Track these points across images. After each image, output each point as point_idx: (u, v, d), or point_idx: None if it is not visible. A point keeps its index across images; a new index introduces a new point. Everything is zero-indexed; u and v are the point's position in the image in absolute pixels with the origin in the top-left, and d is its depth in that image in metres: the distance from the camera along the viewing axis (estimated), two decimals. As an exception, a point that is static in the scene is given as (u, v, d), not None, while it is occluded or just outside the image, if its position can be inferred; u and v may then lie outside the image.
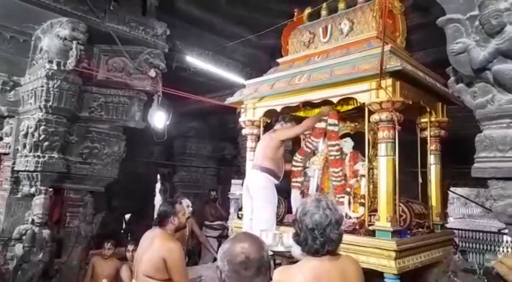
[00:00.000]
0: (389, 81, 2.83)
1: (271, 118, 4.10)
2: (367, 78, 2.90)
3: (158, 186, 9.42)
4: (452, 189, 8.75)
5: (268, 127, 4.42)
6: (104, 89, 4.52)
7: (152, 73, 4.45)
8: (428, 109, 3.39)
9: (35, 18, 4.04)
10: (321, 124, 3.66)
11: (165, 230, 2.76)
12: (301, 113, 4.05)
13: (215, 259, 4.96)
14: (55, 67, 3.95)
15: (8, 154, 4.43)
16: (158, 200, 9.12)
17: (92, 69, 4.29)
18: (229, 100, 4.12)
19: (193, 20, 5.44)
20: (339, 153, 3.49)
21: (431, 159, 3.49)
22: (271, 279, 1.39)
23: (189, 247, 4.77)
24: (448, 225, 3.82)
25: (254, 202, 3.39)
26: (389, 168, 2.81)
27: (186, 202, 4.56)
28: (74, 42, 3.84)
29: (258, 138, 4.09)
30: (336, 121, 3.54)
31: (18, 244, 3.98)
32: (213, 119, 8.09)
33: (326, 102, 3.41)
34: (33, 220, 3.98)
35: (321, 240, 1.55)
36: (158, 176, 9.23)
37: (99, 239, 4.79)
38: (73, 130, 4.42)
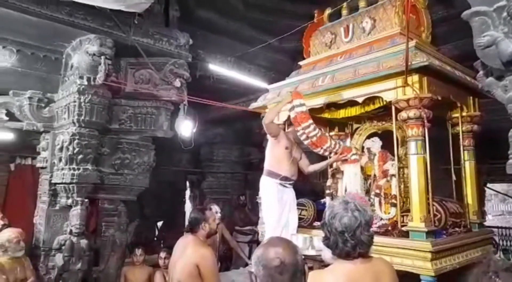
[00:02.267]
0: (415, 77, 2.77)
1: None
2: (393, 75, 2.85)
3: (187, 193, 9.56)
4: (489, 185, 8.39)
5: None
6: (132, 101, 4.65)
7: (177, 83, 4.54)
8: (459, 104, 3.29)
9: (65, 36, 4.22)
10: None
11: (197, 237, 2.79)
12: (326, 115, 4.01)
13: (246, 264, 4.98)
14: (86, 83, 4.11)
15: (45, 167, 4.63)
16: (188, 206, 9.26)
17: (120, 82, 4.43)
18: (253, 106, 4.15)
19: (214, 28, 5.53)
20: (317, 131, 3.28)
21: (465, 155, 3.37)
22: None
23: (221, 252, 4.81)
24: (486, 223, 3.67)
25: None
26: (420, 166, 2.74)
27: (215, 208, 4.61)
28: (102, 57, 3.99)
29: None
30: (301, 101, 3.24)
31: (58, 254, 4.13)
32: (238, 125, 8.15)
33: (349, 102, 3.38)
34: (71, 230, 4.13)
35: (352, 243, 1.52)
36: (187, 183, 9.38)
37: (134, 247, 4.91)
38: (105, 142, 4.56)
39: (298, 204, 3.91)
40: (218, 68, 5.41)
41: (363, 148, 3.88)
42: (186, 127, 4.97)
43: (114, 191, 4.68)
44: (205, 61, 5.31)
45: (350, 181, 3.46)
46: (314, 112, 3.76)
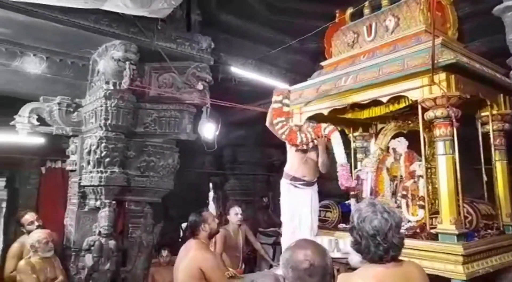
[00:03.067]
0: (442, 75, 2.71)
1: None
2: (418, 74, 2.79)
3: (211, 194, 9.65)
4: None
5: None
6: (156, 105, 4.73)
7: (200, 86, 4.59)
8: (489, 102, 3.19)
9: (91, 43, 4.35)
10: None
11: (199, 240, 2.84)
12: (350, 116, 3.97)
13: (271, 266, 4.98)
14: (112, 88, 4.22)
15: (75, 170, 4.77)
16: (211, 208, 9.34)
17: (145, 86, 4.52)
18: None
19: (235, 31, 5.57)
20: (284, 128, 3.23)
21: (496, 154, 3.26)
22: None
23: (244, 254, 4.82)
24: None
25: None
26: (449, 166, 2.67)
27: (235, 210, 4.65)
28: (127, 62, 4.08)
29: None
30: (278, 98, 3.26)
31: (88, 254, 4.25)
32: (259, 127, 8.13)
33: (373, 102, 3.32)
34: (100, 231, 4.25)
35: (385, 246, 1.49)
36: (210, 185, 9.46)
37: (160, 248, 4.99)
38: (131, 145, 4.66)
39: (322, 206, 3.89)
40: (239, 70, 5.44)
41: (388, 148, 3.82)
42: (208, 130, 5.03)
43: (140, 193, 4.77)
44: (227, 64, 5.35)
45: (339, 150, 3.14)
46: (337, 113, 3.74)
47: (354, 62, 3.50)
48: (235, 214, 4.57)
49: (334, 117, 3.87)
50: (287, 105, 3.30)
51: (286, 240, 3.30)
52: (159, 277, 4.46)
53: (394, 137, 3.85)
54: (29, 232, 4.07)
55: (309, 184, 3.36)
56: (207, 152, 5.57)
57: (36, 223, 4.13)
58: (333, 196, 5.93)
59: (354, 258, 1.77)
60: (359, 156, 4.38)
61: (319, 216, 3.84)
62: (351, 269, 1.85)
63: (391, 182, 3.62)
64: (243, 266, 4.66)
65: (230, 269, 4.11)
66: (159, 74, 4.71)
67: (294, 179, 3.34)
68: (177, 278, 2.80)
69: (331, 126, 3.21)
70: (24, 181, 5.95)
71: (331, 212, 3.79)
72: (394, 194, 3.56)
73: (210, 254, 2.80)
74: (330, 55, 3.99)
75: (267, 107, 5.09)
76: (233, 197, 8.41)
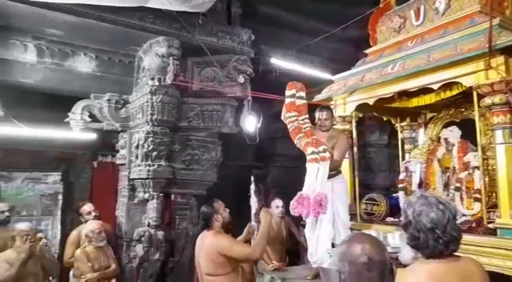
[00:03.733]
0: (500, 59, 2.52)
1: (364, 113, 3.95)
2: (473, 58, 2.61)
3: (252, 187, 9.72)
4: None
5: (360, 122, 4.26)
6: (199, 99, 4.82)
7: (241, 79, 4.61)
8: (554, 86, 2.91)
9: (136, 40, 4.50)
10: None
11: (213, 230, 2.90)
12: (397, 105, 3.81)
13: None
14: (157, 83, 4.34)
15: (124, 164, 4.99)
16: (253, 201, 9.41)
17: (188, 81, 4.61)
18: (318, 98, 4.07)
19: (275, 22, 5.51)
20: (290, 125, 3.17)
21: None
22: None
23: (287, 247, 4.81)
24: None
25: None
26: (509, 156, 2.49)
27: (275, 203, 4.64)
28: (171, 58, 4.18)
29: (350, 134, 3.97)
30: (292, 92, 3.19)
31: (138, 244, 4.45)
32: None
33: (422, 90, 3.16)
34: (149, 223, 4.42)
35: (444, 239, 1.42)
36: (252, 178, 9.52)
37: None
38: (176, 139, 4.78)
39: (368, 199, 3.79)
40: (280, 62, 5.39)
41: (439, 138, 3.63)
42: (250, 123, 5.04)
43: (185, 186, 4.90)
44: (267, 55, 5.31)
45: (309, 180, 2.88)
46: (384, 102, 3.60)
47: (401, 48, 3.35)
48: (276, 206, 4.57)
49: (380, 106, 3.74)
50: (302, 98, 3.20)
51: (307, 232, 3.35)
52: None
53: (445, 126, 3.65)
54: (86, 222, 4.32)
55: (328, 176, 3.18)
56: (248, 145, 5.60)
57: (93, 214, 4.34)
58: (379, 188, 5.77)
59: (406, 254, 1.69)
60: (406, 146, 4.21)
61: (365, 209, 3.75)
62: (401, 265, 1.77)
63: (443, 173, 3.44)
64: (287, 259, 4.65)
65: (274, 262, 4.12)
66: (201, 68, 4.78)
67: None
68: (201, 269, 2.88)
69: (317, 156, 2.91)
70: (78, 175, 6.31)
71: (378, 205, 3.67)
72: (446, 186, 3.38)
73: (224, 236, 2.88)
74: (374, 42, 3.85)
75: (309, 98, 5.03)
76: (275, 190, 8.41)
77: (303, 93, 3.21)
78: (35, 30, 4.27)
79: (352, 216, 3.83)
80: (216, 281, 2.84)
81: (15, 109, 4.57)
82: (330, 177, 3.22)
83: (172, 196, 4.91)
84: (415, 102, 3.69)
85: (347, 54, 5.91)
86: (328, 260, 3.10)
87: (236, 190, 8.52)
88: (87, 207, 4.44)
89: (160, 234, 4.42)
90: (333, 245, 3.24)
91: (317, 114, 3.42)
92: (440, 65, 2.79)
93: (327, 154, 2.88)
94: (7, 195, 10.39)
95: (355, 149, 4.00)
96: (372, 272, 1.21)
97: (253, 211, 3.86)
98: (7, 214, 4.30)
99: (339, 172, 3.35)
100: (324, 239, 3.23)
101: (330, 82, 4.30)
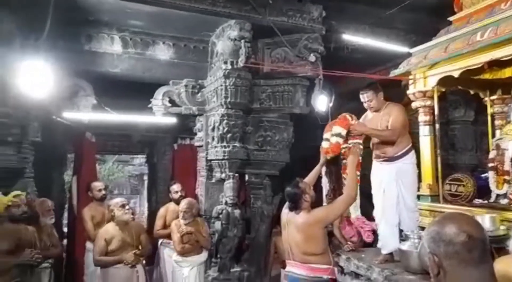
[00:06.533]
0: None
1: (447, 87, 3.67)
2: None
3: (323, 168, 9.61)
4: None
5: (442, 98, 3.96)
6: (270, 80, 4.85)
7: (312, 58, 4.53)
8: None
9: (209, 26, 4.66)
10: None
11: (302, 210, 2.89)
12: (487, 76, 3.47)
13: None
14: (230, 67, 4.45)
15: (201, 146, 5.27)
16: (324, 182, 9.31)
17: (259, 63, 4.66)
18: (395, 73, 3.87)
19: (346, -5, 5.28)
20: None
21: None
22: None
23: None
24: None
25: None
26: None
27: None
28: (242, 41, 4.25)
29: (432, 110, 3.73)
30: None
31: (217, 221, 4.70)
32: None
33: None
34: (226, 201, 4.64)
35: None
36: (324, 159, 9.41)
37: (278, 218, 5.22)
38: (248, 121, 4.90)
39: (453, 179, 3.56)
40: (352, 37, 5.18)
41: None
42: (322, 102, 4.96)
43: (259, 166, 5.02)
44: (338, 32, 5.13)
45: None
46: (471, 74, 3.31)
47: (493, 12, 3.02)
48: None
49: (466, 79, 3.44)
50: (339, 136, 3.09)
51: (377, 217, 3.27)
52: (281, 245, 4.68)
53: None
54: (173, 199, 4.79)
55: (392, 159, 3.17)
56: (319, 125, 5.54)
57: (179, 193, 4.78)
58: (464, 168, 5.35)
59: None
60: (497, 122, 3.85)
61: (449, 190, 3.53)
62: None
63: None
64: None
65: (349, 242, 4.08)
66: (272, 49, 4.79)
67: (377, 156, 3.28)
68: (297, 251, 2.93)
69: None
70: (160, 157, 6.83)
71: (464, 185, 3.42)
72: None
73: (313, 210, 2.91)
74: (460, 8, 3.52)
75: (384, 74, 4.80)
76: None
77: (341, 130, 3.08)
78: (120, 22, 4.65)
79: (434, 198, 3.66)
80: (314, 260, 2.90)
81: (106, 98, 5.06)
82: (394, 159, 3.17)
83: (247, 176, 5.08)
84: (508, 72, 3.33)
85: (426, 24, 5.46)
86: (395, 245, 3.07)
87: (308, 171, 8.50)
88: (176, 187, 4.89)
89: (237, 212, 4.62)
90: (400, 231, 3.16)
91: (361, 97, 3.30)
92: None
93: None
94: (101, 176, 11.58)
95: (436, 126, 3.76)
96: (472, 253, 1.09)
97: (325, 192, 3.86)
98: (103, 192, 4.85)
99: (405, 153, 3.18)
100: (387, 224, 3.17)
101: (408, 56, 4.05)
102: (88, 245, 4.72)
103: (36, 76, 3.56)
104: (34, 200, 3.92)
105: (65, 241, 5.56)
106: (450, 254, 1.10)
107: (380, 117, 3.22)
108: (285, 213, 3.06)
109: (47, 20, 3.86)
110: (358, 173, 3.09)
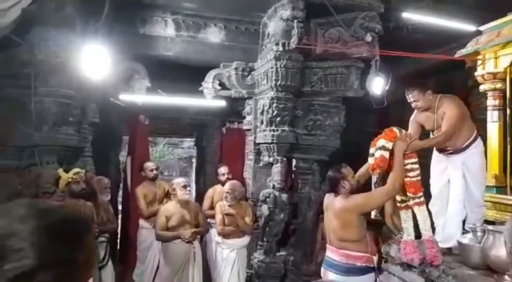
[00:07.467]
0: None
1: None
2: None
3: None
4: None
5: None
6: (322, 62, 4.66)
7: (368, 37, 4.27)
8: None
9: (261, 6, 4.57)
10: None
11: (340, 196, 2.86)
12: None
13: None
14: (281, 49, 4.33)
15: (250, 129, 5.25)
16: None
17: (311, 44, 4.49)
18: (461, 53, 3.58)
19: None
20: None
21: None
22: None
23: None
24: None
25: None
26: None
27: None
28: (295, 21, 4.10)
29: (502, 94, 3.42)
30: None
31: (264, 205, 4.69)
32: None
33: None
34: (273, 185, 4.60)
35: None
36: (373, 145, 9.06)
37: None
38: (298, 104, 4.77)
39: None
40: (412, 16, 4.81)
41: None
42: (377, 85, 4.69)
43: (307, 151, 4.91)
44: (398, 10, 4.79)
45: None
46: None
47: None
48: None
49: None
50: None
51: (436, 212, 3.11)
52: (327, 230, 4.63)
53: None
54: (221, 182, 4.96)
55: (457, 151, 2.97)
56: (371, 110, 5.28)
57: (226, 176, 4.97)
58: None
59: None
60: None
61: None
62: None
63: None
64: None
65: (401, 233, 3.90)
66: (325, 30, 4.58)
67: (441, 150, 3.10)
68: (335, 235, 2.88)
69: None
70: (209, 140, 6.92)
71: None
72: None
73: (354, 195, 2.86)
74: (542, -22, 3.12)
75: (448, 54, 4.44)
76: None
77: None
78: (173, 5, 4.71)
79: (500, 189, 3.42)
80: (349, 247, 2.83)
81: (158, 81, 5.17)
82: (460, 150, 2.97)
83: (295, 161, 5.00)
84: None
85: (498, -1, 4.97)
86: (455, 239, 2.89)
87: (359, 157, 8.22)
88: (223, 169, 5.08)
89: (284, 196, 4.57)
90: (464, 225, 3.00)
91: (406, 97, 3.21)
92: None
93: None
94: (153, 158, 12.06)
95: (508, 111, 3.44)
96: None
97: (374, 179, 3.72)
98: (155, 172, 5.03)
99: (471, 143, 2.97)
100: (453, 219, 2.99)
101: (476, 34, 3.72)
102: (141, 222, 4.94)
103: (95, 60, 3.69)
104: (92, 178, 4.15)
105: (119, 218, 5.86)
106: None
107: (435, 114, 3.05)
108: (327, 197, 3.08)
109: (105, 4, 3.98)
110: (413, 160, 2.83)
